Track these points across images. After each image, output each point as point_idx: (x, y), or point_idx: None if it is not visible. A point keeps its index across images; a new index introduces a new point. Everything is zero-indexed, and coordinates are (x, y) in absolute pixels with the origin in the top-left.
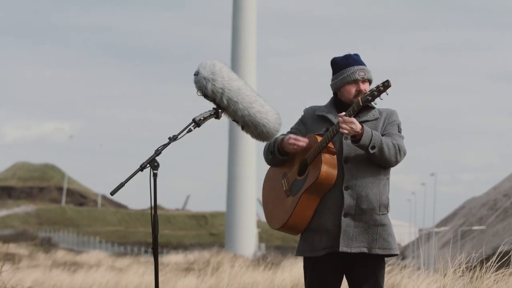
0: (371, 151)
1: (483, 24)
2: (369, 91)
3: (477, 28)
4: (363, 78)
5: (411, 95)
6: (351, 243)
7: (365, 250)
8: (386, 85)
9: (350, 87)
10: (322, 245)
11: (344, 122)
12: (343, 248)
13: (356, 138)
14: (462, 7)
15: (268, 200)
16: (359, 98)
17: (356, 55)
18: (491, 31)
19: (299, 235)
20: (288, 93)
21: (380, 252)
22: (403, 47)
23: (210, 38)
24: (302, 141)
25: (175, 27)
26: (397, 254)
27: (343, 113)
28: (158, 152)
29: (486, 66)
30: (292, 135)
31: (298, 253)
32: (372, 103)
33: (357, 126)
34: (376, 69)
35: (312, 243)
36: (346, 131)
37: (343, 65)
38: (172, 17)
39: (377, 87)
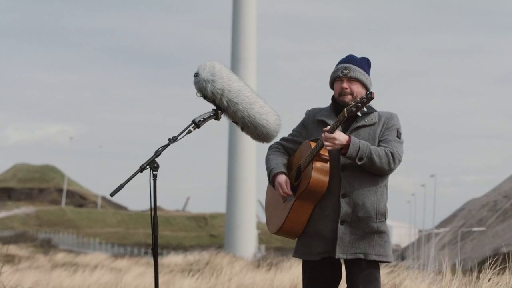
0: (359, 163)
1: (487, 27)
2: (354, 102)
3: (481, 31)
4: (345, 75)
5: (413, 97)
6: (347, 249)
7: (361, 256)
8: (369, 97)
9: (336, 84)
10: (318, 250)
11: (326, 139)
12: (339, 254)
13: (343, 150)
14: (468, 11)
15: (269, 205)
16: (345, 109)
17: (352, 55)
18: (494, 34)
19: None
20: (288, 96)
21: (376, 258)
22: (407, 50)
23: (211, 40)
24: (285, 193)
25: (177, 30)
26: (391, 261)
27: (328, 127)
28: (157, 153)
29: (488, 69)
30: (282, 180)
31: (295, 255)
32: (372, 106)
33: (341, 140)
34: (378, 71)
35: (309, 247)
36: (329, 148)
37: (336, 64)
38: (173, 20)
39: (361, 98)
